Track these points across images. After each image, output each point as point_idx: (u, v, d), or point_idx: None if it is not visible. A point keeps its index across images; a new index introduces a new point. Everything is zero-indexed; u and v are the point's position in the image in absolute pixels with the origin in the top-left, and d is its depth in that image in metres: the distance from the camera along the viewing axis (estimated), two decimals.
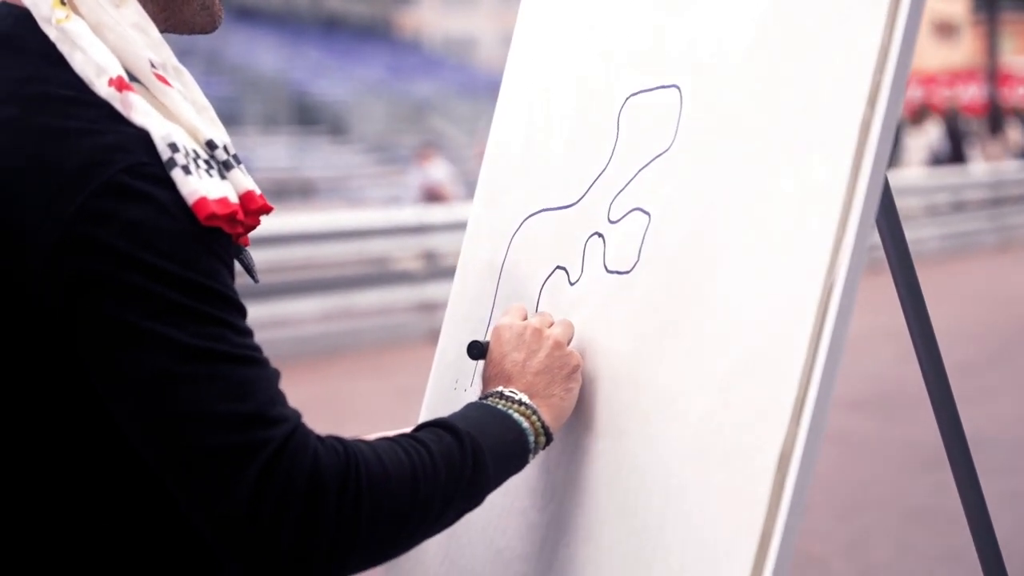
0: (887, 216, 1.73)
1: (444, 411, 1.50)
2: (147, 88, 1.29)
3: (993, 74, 30.23)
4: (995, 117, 28.36)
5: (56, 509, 1.30)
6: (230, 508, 1.21)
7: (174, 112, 1.29)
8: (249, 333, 1.26)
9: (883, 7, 1.39)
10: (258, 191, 1.30)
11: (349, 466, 1.26)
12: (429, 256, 11.17)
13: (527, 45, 1.94)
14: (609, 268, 1.65)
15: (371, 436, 1.39)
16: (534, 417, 1.49)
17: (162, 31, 1.38)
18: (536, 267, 1.77)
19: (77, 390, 1.26)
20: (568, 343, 1.60)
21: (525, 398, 1.50)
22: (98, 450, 1.28)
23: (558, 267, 1.73)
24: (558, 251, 1.74)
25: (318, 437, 1.27)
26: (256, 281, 1.44)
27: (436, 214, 11.73)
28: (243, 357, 1.24)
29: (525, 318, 1.63)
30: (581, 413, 1.60)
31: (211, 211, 1.23)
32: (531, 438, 1.48)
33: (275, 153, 28.13)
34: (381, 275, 11.30)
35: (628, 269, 1.62)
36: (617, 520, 1.54)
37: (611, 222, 1.66)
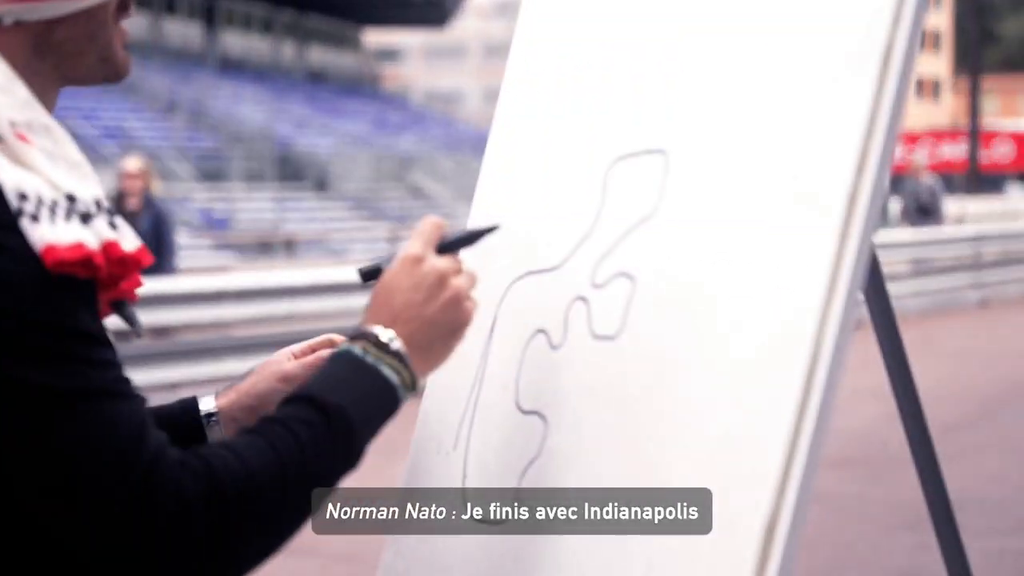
0: (872, 281, 1.72)
1: (426, 477, 1.47)
2: (8, 146, 1.33)
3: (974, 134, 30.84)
4: (976, 176, 29.01)
5: None
6: (108, 547, 1.27)
7: (34, 168, 1.33)
8: (115, 366, 1.31)
9: (872, 73, 1.39)
10: (128, 245, 1.34)
11: (212, 486, 1.30)
12: None
13: (514, 103, 1.94)
14: (593, 333, 1.64)
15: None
16: (405, 373, 1.46)
17: (63, 86, 1.44)
18: (521, 331, 1.76)
19: None
20: (469, 295, 1.54)
21: (401, 348, 1.46)
22: None
23: (539, 330, 1.72)
24: (541, 314, 1.72)
25: (180, 461, 1.31)
26: (139, 335, 1.48)
27: None
28: (106, 391, 1.29)
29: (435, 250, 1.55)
30: (563, 480, 1.59)
31: (60, 257, 1.28)
32: (401, 394, 1.46)
33: (259, 207, 28.15)
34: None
35: (612, 335, 1.61)
36: None
37: (595, 286, 1.66)
